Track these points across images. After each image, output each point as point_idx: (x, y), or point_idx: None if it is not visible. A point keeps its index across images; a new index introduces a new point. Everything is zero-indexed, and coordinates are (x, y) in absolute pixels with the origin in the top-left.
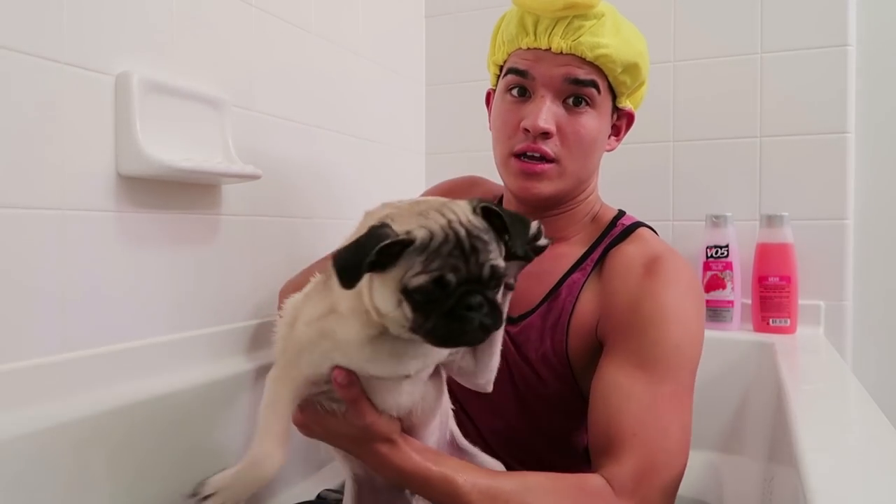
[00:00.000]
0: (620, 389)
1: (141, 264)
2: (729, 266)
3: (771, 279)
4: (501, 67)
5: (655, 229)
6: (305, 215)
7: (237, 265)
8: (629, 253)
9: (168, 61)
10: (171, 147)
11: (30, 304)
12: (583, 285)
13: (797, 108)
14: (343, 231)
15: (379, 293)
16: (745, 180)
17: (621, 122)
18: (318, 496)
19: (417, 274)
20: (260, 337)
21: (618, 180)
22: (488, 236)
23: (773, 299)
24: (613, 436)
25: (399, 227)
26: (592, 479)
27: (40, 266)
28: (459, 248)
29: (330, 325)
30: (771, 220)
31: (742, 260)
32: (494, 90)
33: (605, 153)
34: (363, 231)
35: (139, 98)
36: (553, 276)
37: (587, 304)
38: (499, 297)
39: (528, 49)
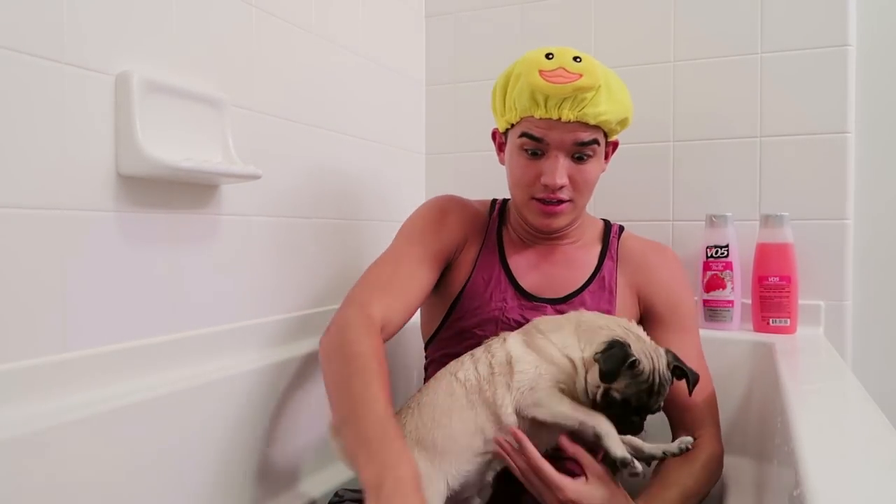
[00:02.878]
0: (680, 353)
1: (141, 264)
2: (729, 266)
3: (771, 279)
4: (513, 125)
5: (650, 229)
6: (305, 215)
7: (236, 265)
8: (634, 246)
9: (168, 61)
10: (171, 147)
11: (30, 304)
12: (616, 269)
13: (797, 108)
14: (342, 231)
15: (595, 376)
16: (745, 180)
17: (609, 148)
18: (336, 494)
19: (622, 388)
20: (259, 337)
21: (618, 181)
22: (668, 388)
23: (773, 299)
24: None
25: (635, 350)
26: (698, 440)
27: (40, 266)
28: (650, 389)
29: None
30: (771, 220)
31: (742, 260)
32: (499, 132)
33: None
34: (598, 341)
35: (139, 98)
36: (588, 263)
37: (623, 283)
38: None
39: (541, 119)
